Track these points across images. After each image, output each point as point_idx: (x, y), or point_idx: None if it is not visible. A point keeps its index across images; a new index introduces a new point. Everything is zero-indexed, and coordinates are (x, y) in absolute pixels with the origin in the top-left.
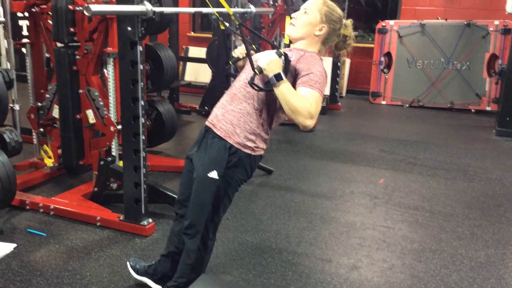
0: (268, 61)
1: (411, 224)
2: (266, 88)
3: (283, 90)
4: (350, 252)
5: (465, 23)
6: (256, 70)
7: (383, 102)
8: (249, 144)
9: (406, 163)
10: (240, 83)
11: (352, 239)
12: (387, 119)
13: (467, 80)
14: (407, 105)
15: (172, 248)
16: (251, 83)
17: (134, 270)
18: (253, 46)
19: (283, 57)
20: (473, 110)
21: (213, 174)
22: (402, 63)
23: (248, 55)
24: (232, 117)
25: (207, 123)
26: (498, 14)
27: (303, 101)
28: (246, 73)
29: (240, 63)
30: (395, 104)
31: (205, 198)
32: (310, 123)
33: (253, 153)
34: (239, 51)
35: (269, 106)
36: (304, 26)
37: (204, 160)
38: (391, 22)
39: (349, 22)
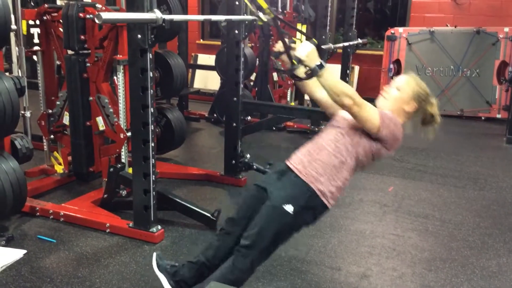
0: (306, 52)
1: (421, 233)
2: (309, 77)
3: (327, 77)
4: (359, 261)
5: (475, 30)
6: (294, 61)
7: None
8: (328, 194)
9: (416, 171)
10: (330, 137)
11: (361, 247)
12: None
13: (477, 87)
14: None
15: (203, 259)
16: (292, 74)
17: (157, 264)
18: (292, 38)
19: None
20: (483, 118)
21: (289, 208)
22: (411, 70)
23: (286, 47)
24: (318, 166)
25: (289, 164)
26: (508, 21)
27: (345, 84)
28: (336, 130)
29: (284, 57)
30: None
31: (272, 226)
32: (350, 102)
33: (328, 205)
34: (280, 45)
35: (357, 162)
36: (395, 101)
37: (284, 192)
38: (400, 29)
39: (435, 100)
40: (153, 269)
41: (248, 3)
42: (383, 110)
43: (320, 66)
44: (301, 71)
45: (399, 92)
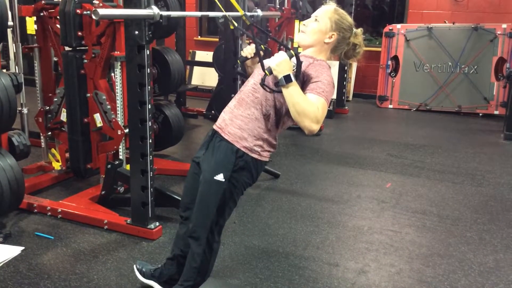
0: (278, 61)
1: (419, 229)
2: (276, 89)
3: (292, 92)
4: (357, 257)
5: (473, 26)
6: (266, 71)
7: (390, 106)
8: (256, 148)
9: (413, 167)
10: (248, 88)
11: (359, 243)
12: (394, 123)
13: (474, 84)
14: (414, 109)
15: (177, 251)
16: (262, 84)
17: (140, 273)
18: (262, 46)
19: (294, 58)
20: (480, 114)
21: (220, 177)
22: (409, 66)
23: (258, 54)
24: (240, 122)
25: (214, 126)
26: (506, 17)
27: (310, 105)
28: (254, 78)
29: (249, 62)
30: (402, 108)
31: (211, 200)
32: (316, 127)
33: (259, 158)
34: (248, 50)
35: (277, 112)
36: (314, 34)
37: (211, 163)
38: (398, 25)
39: (359, 31)
40: (141, 280)
41: (223, 10)
42: (303, 44)
43: (288, 79)
44: (269, 81)
45: (318, 23)
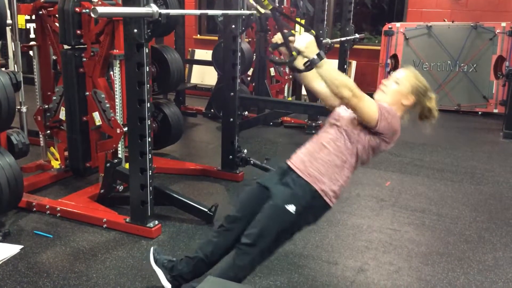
0: (305, 43)
1: (418, 227)
2: (308, 69)
3: (328, 68)
4: (356, 255)
5: (472, 25)
6: (294, 52)
7: None
8: (331, 193)
9: (412, 166)
10: (329, 135)
11: (358, 241)
12: None
13: (474, 82)
14: None
15: (201, 255)
16: (291, 65)
17: (154, 258)
18: (292, 31)
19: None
20: (480, 113)
21: (291, 208)
22: (408, 65)
23: (285, 38)
24: (320, 166)
25: (290, 164)
26: (505, 16)
27: (344, 76)
28: (334, 128)
29: (283, 49)
30: None
31: (274, 226)
32: (349, 94)
33: (329, 203)
34: (279, 36)
35: (356, 159)
36: (393, 94)
37: (287, 192)
38: (398, 24)
39: (434, 95)
40: (150, 264)
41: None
42: (381, 103)
43: (319, 57)
44: (300, 63)
45: (398, 86)
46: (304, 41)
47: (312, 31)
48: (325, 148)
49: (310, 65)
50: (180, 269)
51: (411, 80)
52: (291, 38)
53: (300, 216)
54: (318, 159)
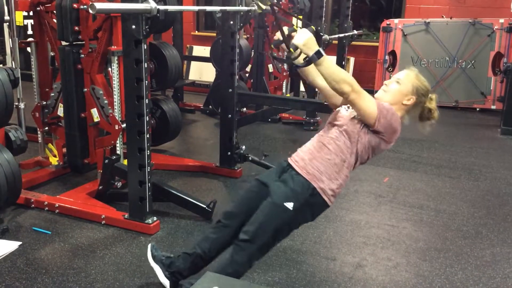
0: (304, 39)
1: (416, 223)
2: (307, 65)
3: (327, 65)
4: (354, 251)
5: (470, 21)
6: (291, 49)
7: None
8: (329, 192)
9: (410, 162)
10: (329, 135)
11: (356, 237)
12: None
13: (472, 78)
14: None
15: (199, 251)
16: (291, 62)
17: (152, 255)
18: (294, 27)
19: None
20: (478, 109)
21: (289, 205)
22: (406, 61)
23: (284, 35)
24: (320, 164)
25: (291, 161)
26: (503, 12)
27: (343, 71)
28: (334, 128)
29: (284, 46)
30: None
31: (272, 222)
32: (349, 89)
33: (327, 202)
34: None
35: (356, 158)
36: (394, 94)
37: (286, 189)
38: (396, 20)
39: (434, 96)
40: (148, 261)
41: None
42: (381, 102)
43: (318, 54)
44: (299, 59)
45: (399, 86)
46: (302, 38)
47: (312, 26)
48: (325, 147)
49: (309, 61)
50: (178, 265)
51: (413, 80)
52: (293, 33)
53: (298, 213)
54: (318, 157)
